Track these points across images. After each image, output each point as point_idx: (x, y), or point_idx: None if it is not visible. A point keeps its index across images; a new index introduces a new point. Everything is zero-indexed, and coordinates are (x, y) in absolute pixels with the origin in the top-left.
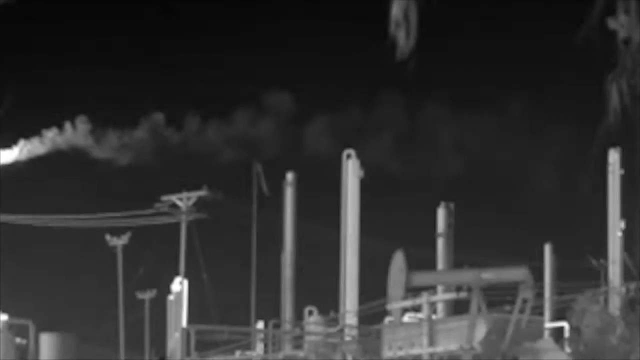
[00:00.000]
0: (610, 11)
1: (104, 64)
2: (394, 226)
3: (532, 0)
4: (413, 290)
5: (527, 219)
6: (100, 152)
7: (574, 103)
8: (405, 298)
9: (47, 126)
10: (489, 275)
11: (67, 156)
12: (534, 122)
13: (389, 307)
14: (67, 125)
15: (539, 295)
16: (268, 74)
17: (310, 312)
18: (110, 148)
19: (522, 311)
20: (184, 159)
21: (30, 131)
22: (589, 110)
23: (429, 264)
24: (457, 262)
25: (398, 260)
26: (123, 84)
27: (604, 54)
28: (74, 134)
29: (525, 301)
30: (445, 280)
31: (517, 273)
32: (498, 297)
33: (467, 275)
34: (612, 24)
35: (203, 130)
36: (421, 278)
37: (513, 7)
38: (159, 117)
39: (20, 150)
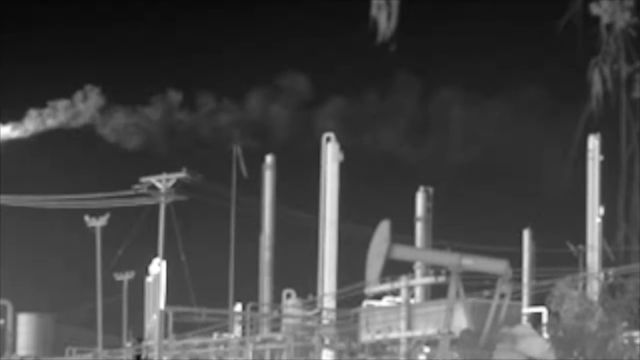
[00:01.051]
0: None
1: (119, 42)
2: (373, 210)
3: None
4: (390, 271)
5: (506, 205)
6: (105, 130)
7: (556, 88)
8: (382, 276)
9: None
10: (470, 262)
11: (51, 137)
12: (516, 107)
13: (367, 275)
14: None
15: (518, 280)
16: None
17: (289, 295)
18: (114, 127)
19: (499, 306)
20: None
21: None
22: (572, 95)
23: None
24: (435, 247)
25: (383, 230)
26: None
27: (586, 39)
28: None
29: (502, 296)
30: (425, 258)
31: (498, 265)
32: (476, 282)
33: (447, 258)
34: (595, 9)
35: (215, 111)
36: (402, 251)
37: None
38: (173, 96)
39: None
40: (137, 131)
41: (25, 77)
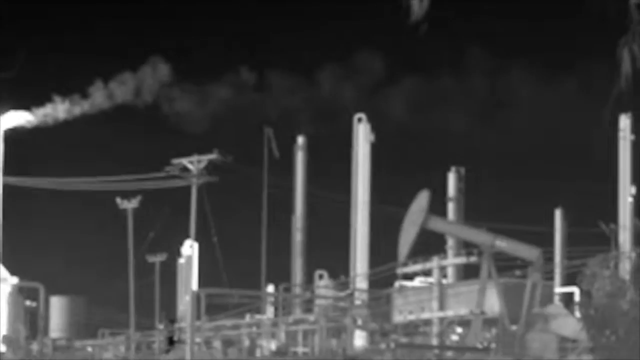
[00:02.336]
0: None
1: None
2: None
3: None
4: (422, 252)
5: (538, 185)
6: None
7: (587, 68)
8: (414, 257)
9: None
10: (503, 244)
11: (91, 120)
12: (546, 87)
13: (400, 242)
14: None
15: (550, 260)
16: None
17: (321, 276)
18: (178, 105)
19: (532, 296)
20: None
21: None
22: (602, 75)
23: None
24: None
25: (422, 200)
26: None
27: (617, 18)
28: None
29: (535, 285)
30: (459, 233)
31: (530, 252)
32: (508, 262)
33: (481, 237)
34: None
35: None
36: (438, 223)
37: None
38: (245, 74)
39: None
40: (202, 110)
41: (89, 52)
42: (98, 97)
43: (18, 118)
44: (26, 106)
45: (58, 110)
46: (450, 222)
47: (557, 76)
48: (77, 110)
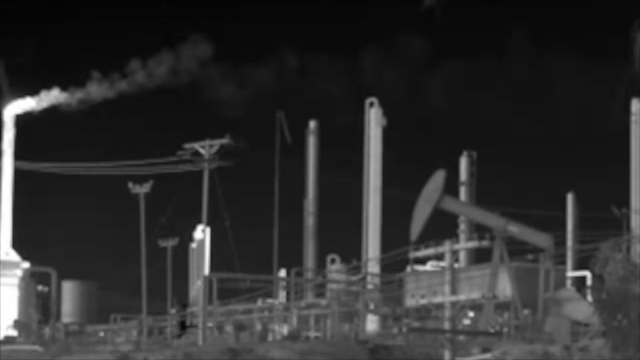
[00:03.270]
0: None
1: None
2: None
3: None
4: (434, 236)
5: (550, 169)
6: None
7: (600, 53)
8: (427, 240)
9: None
10: (515, 229)
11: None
12: (557, 72)
13: (413, 220)
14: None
15: (562, 244)
16: None
17: (333, 261)
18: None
19: (547, 283)
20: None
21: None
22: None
23: (450, 215)
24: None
25: (438, 179)
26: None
27: (631, 2)
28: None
29: (548, 272)
30: (472, 215)
31: (542, 239)
32: (519, 247)
33: (494, 221)
34: None
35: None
36: (452, 204)
37: None
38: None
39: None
40: (240, 93)
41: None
42: (138, 77)
43: (28, 103)
44: (63, 86)
45: (94, 91)
46: (464, 204)
47: (593, 63)
48: (112, 92)
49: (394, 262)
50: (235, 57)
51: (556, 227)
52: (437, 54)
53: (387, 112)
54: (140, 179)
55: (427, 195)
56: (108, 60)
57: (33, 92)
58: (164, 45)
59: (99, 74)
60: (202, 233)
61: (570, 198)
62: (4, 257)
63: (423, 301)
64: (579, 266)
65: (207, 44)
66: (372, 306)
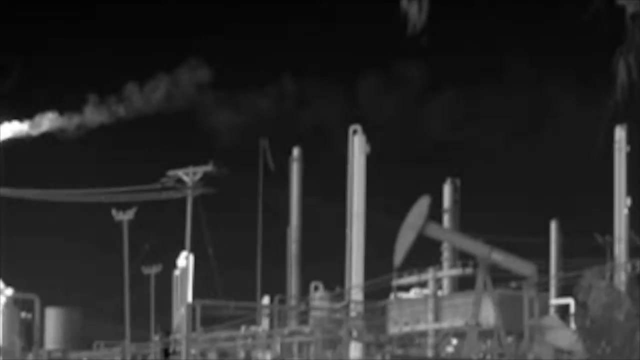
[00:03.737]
0: None
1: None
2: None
3: None
4: (418, 263)
5: (534, 196)
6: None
7: (582, 78)
8: (410, 268)
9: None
10: (499, 257)
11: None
12: (541, 97)
13: (396, 246)
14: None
15: (545, 272)
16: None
17: (316, 288)
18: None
19: (531, 312)
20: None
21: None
22: (597, 86)
23: (434, 242)
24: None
25: (422, 205)
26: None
27: (612, 29)
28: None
29: (532, 301)
30: (456, 242)
31: (525, 267)
32: (503, 274)
33: (478, 248)
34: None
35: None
36: (436, 230)
37: None
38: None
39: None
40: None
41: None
42: (135, 101)
43: (14, 129)
44: (60, 110)
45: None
46: (448, 231)
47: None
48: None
49: (378, 290)
50: (229, 83)
51: (540, 254)
52: (433, 81)
53: (379, 139)
54: (123, 206)
55: (411, 222)
56: (104, 83)
57: (15, 117)
58: (158, 69)
59: (95, 97)
60: (185, 260)
61: (553, 225)
62: None
63: (406, 329)
64: (562, 293)
65: (205, 68)
66: (355, 333)
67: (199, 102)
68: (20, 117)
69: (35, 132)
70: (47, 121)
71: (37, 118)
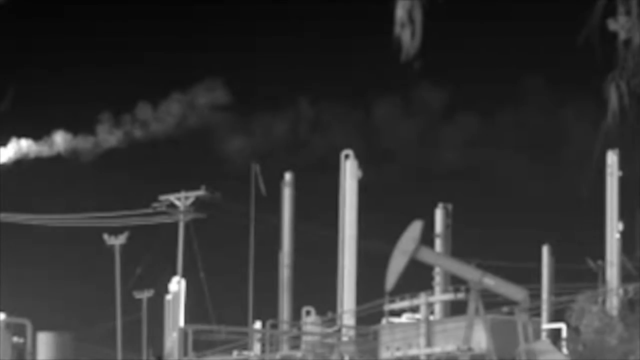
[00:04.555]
0: (611, 12)
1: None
2: (392, 227)
3: (533, 1)
4: (410, 288)
5: (525, 221)
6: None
7: (573, 104)
8: (402, 293)
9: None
10: (491, 282)
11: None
12: (528, 123)
13: (388, 270)
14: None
15: (537, 295)
16: None
17: (308, 313)
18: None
19: (525, 337)
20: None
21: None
22: (589, 111)
23: (426, 266)
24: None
25: (414, 229)
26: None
27: (604, 55)
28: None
29: (525, 326)
30: (448, 267)
31: (517, 293)
32: (496, 299)
33: (470, 273)
34: (612, 25)
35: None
36: (428, 255)
37: (513, 7)
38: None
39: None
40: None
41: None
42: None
43: (10, 151)
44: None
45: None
46: (441, 255)
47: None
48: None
49: (369, 314)
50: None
51: (531, 279)
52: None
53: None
54: (115, 231)
55: (403, 246)
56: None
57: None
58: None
59: (109, 118)
60: (177, 285)
61: (545, 250)
62: None
63: (398, 353)
64: (554, 318)
65: (224, 89)
66: (347, 358)
67: (212, 124)
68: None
69: (22, 156)
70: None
71: (23, 143)
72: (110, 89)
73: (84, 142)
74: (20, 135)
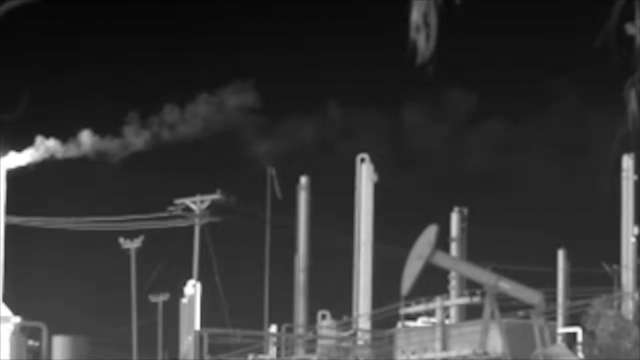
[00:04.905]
0: (629, 16)
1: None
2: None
3: (550, 5)
4: (425, 292)
5: (540, 224)
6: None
7: (590, 107)
8: (418, 297)
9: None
10: (506, 286)
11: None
12: (548, 126)
13: (403, 275)
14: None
15: (552, 300)
16: None
17: (323, 316)
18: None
19: (543, 340)
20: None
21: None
22: (606, 115)
23: (441, 270)
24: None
25: (430, 234)
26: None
27: (622, 59)
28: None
29: (541, 329)
30: (464, 271)
31: (533, 296)
32: (512, 303)
33: (485, 277)
34: (630, 29)
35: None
36: (444, 259)
37: (529, 9)
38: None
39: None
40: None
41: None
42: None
43: (20, 157)
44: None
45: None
46: (456, 259)
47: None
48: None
49: (385, 318)
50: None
51: (547, 283)
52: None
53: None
54: (131, 234)
55: (418, 250)
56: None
57: (23, 145)
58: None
59: (136, 120)
60: (192, 288)
61: (560, 254)
62: None
63: (414, 357)
64: (570, 322)
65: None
66: None
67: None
68: (20, 147)
69: (39, 158)
70: (49, 148)
71: (40, 144)
72: (137, 90)
73: (110, 144)
74: (47, 135)
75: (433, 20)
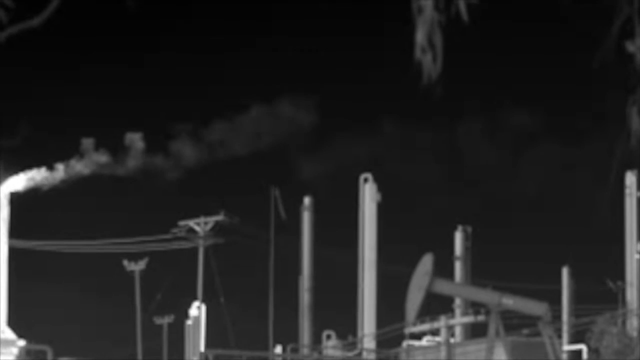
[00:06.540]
0: (628, 34)
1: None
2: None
3: (551, 23)
4: (430, 311)
5: (545, 242)
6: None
7: (593, 125)
8: (422, 316)
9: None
10: (510, 301)
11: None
12: (550, 144)
13: (406, 308)
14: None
15: (557, 318)
16: None
17: (329, 336)
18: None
19: (554, 349)
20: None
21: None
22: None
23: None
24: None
25: (426, 263)
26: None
27: (622, 77)
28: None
29: (551, 338)
30: (466, 294)
31: (537, 307)
32: (516, 321)
33: (487, 296)
34: (630, 47)
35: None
36: (443, 286)
37: (530, 28)
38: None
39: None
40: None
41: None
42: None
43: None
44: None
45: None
46: (456, 284)
47: None
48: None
49: (390, 338)
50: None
51: (551, 300)
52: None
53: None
54: (135, 257)
55: (417, 281)
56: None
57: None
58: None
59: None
60: (197, 310)
61: (565, 272)
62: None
63: None
64: (575, 340)
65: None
66: None
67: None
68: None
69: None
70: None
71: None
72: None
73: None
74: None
75: (438, 40)
